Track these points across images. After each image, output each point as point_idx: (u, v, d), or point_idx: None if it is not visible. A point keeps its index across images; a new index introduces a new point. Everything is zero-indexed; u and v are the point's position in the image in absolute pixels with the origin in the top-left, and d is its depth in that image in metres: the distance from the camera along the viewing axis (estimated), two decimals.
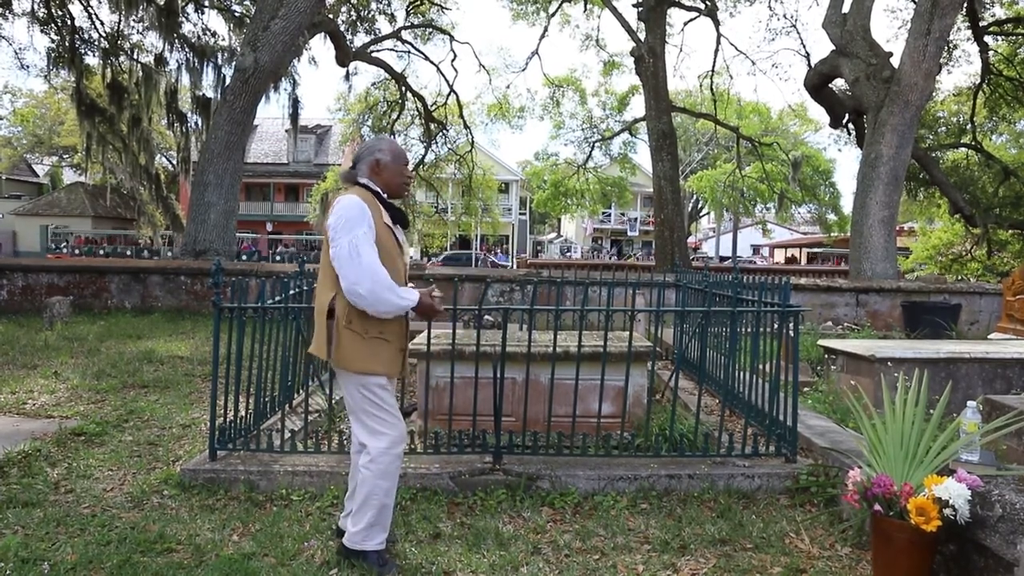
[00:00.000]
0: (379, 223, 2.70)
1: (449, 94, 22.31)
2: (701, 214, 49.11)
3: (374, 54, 20.78)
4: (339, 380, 2.81)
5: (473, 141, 23.80)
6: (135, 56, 19.24)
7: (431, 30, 22.36)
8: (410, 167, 2.91)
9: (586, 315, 3.88)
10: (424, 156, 23.59)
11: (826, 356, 6.14)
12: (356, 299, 2.61)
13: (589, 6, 21.45)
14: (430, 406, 4.28)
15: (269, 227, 39.58)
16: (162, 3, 16.75)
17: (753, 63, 27.52)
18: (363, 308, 2.62)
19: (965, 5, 15.05)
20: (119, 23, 18.51)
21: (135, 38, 19.92)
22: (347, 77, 30.78)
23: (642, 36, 16.95)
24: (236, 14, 18.88)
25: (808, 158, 31.37)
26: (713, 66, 20.30)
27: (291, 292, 4.40)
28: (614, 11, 17.94)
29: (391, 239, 2.75)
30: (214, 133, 13.66)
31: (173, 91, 18.92)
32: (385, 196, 2.80)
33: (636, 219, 48.08)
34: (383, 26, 21.47)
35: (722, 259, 40.69)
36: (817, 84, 15.46)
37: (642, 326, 7.69)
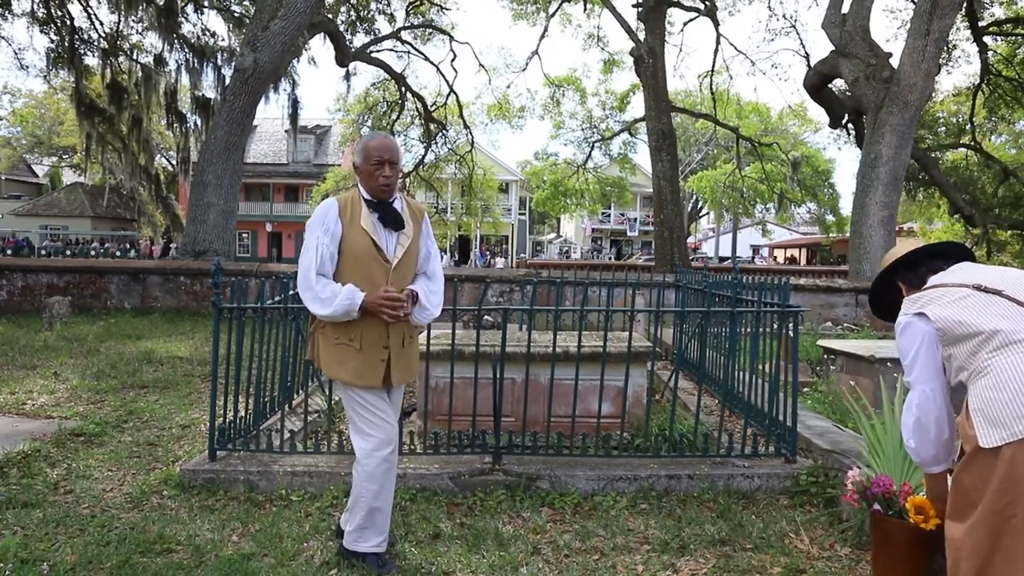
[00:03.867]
0: (351, 226, 2.65)
1: (449, 94, 22.33)
2: (701, 214, 49.11)
3: (374, 54, 20.80)
4: None
5: (473, 141, 23.82)
6: (135, 56, 19.25)
7: (431, 30, 22.38)
8: (385, 166, 2.65)
9: (586, 315, 3.88)
10: (424, 156, 23.61)
11: (825, 356, 6.14)
12: None
13: (589, 6, 21.46)
14: (430, 406, 4.28)
15: (269, 227, 39.59)
16: (162, 3, 16.75)
17: (753, 63, 27.41)
18: None
19: (964, 5, 15.05)
20: (119, 23, 18.53)
21: (135, 38, 19.98)
22: (347, 77, 30.75)
23: (642, 36, 16.96)
24: (236, 14, 18.90)
25: (808, 158, 31.40)
26: (713, 66, 20.30)
27: (291, 292, 4.39)
28: (613, 11, 17.95)
29: (365, 242, 2.65)
30: (214, 133, 13.67)
31: (173, 91, 18.93)
32: (370, 198, 2.70)
33: (636, 219, 48.09)
34: (383, 26, 21.52)
35: (721, 259, 40.71)
36: (816, 84, 15.47)
37: (642, 326, 7.69)
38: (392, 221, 2.70)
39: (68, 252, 30.76)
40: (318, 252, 2.59)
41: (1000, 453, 1.73)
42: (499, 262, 41.57)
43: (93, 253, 30.81)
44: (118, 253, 32.05)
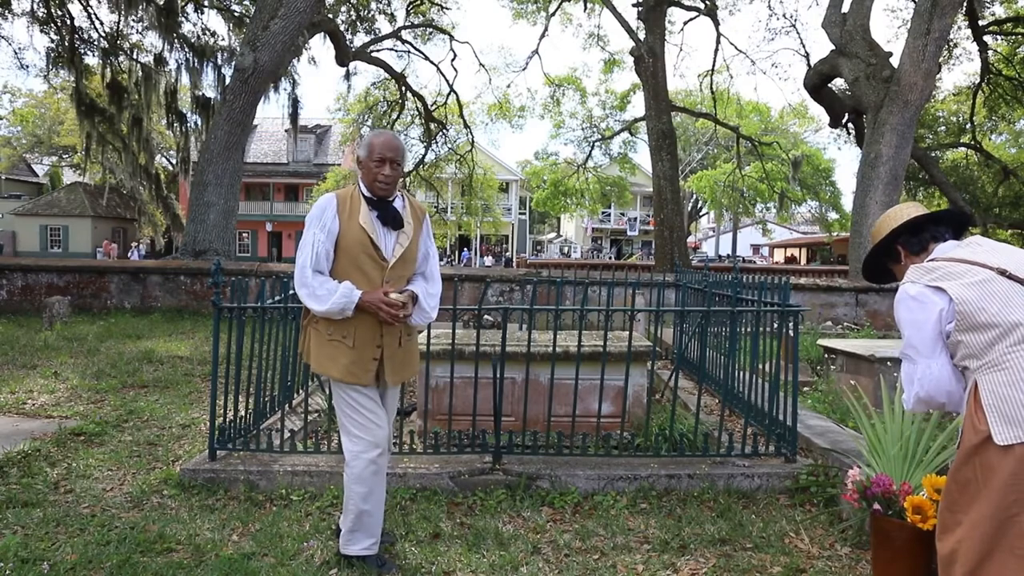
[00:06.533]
0: (349, 223, 2.61)
1: (449, 94, 22.33)
2: (701, 214, 49.11)
3: (374, 54, 20.79)
4: None
5: (473, 141, 23.82)
6: (135, 56, 19.25)
7: (431, 30, 22.38)
8: (386, 165, 2.62)
9: (586, 315, 3.88)
10: (424, 156, 23.60)
11: (826, 356, 6.14)
12: None
13: (590, 5, 21.45)
14: (430, 406, 4.28)
15: (269, 227, 39.58)
16: (162, 3, 16.75)
17: (753, 63, 27.54)
18: None
19: (965, 4, 15.05)
20: (119, 23, 18.53)
21: (135, 38, 19.99)
22: (347, 77, 30.68)
23: (642, 36, 16.95)
24: (236, 14, 18.91)
25: (808, 157, 31.40)
26: (713, 65, 20.31)
27: (291, 292, 4.39)
28: (614, 11, 17.94)
29: (362, 240, 2.61)
30: (214, 133, 13.66)
31: (173, 91, 18.93)
32: (370, 195, 2.67)
33: (636, 219, 48.08)
34: (383, 26, 21.52)
35: (721, 259, 40.71)
36: (817, 84, 15.47)
37: (642, 326, 7.69)
38: (391, 220, 2.67)
39: None
40: (314, 249, 2.59)
41: (1012, 451, 1.72)
42: (487, 261, 41.16)
43: None
44: None
